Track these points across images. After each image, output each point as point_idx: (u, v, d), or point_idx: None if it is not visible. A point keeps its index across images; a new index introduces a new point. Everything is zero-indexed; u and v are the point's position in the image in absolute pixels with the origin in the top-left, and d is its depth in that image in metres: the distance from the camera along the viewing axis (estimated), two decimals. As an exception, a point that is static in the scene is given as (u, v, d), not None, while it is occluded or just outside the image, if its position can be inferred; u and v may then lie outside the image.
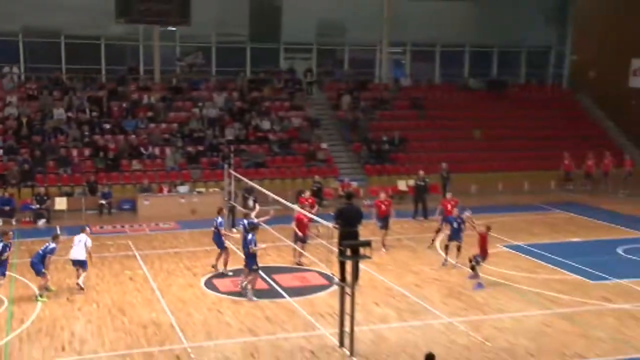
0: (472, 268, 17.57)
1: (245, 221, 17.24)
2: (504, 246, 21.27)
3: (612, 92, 36.24)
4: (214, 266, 18.60)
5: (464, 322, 14.96)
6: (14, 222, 24.67)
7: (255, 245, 16.07)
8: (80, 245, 17.07)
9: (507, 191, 30.75)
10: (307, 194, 22.06)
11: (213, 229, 18.36)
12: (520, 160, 32.94)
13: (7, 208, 24.92)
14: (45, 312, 15.41)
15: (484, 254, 17.41)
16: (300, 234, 18.86)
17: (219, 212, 18.76)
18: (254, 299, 16.20)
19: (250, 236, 16.06)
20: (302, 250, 18.89)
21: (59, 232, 19.14)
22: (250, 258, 16.14)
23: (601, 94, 37.21)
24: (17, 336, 14.00)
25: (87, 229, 17.94)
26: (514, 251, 20.71)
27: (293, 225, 19.01)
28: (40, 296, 16.22)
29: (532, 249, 21.00)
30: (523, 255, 20.37)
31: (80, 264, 17.09)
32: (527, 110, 35.67)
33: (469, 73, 38.51)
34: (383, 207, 20.72)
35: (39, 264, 16.31)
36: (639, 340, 14.02)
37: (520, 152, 33.39)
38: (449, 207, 20.40)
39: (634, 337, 14.22)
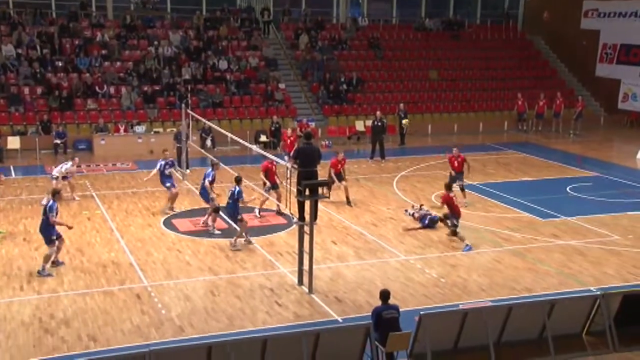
0: (454, 234, 16.30)
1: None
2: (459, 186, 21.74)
3: (564, 34, 36.75)
4: (205, 222, 17.28)
5: (419, 260, 15.43)
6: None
7: (242, 197, 15.87)
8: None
9: (462, 132, 31.23)
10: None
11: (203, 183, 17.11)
12: (475, 101, 33.42)
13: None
14: (2, 252, 15.33)
15: (457, 214, 16.34)
16: (269, 182, 18.22)
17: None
18: (252, 241, 16.10)
19: (237, 188, 15.79)
20: (276, 201, 18.09)
21: None
22: (237, 209, 15.88)
23: (554, 35, 37.69)
24: (-25, 276, 13.98)
25: (76, 159, 20.06)
26: (468, 190, 21.15)
27: (261, 175, 18.38)
28: None
29: (486, 188, 21.55)
30: (477, 194, 20.89)
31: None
32: (482, 51, 35.99)
33: (425, 13, 38.45)
34: (339, 166, 19.67)
35: None
36: (583, 274, 14.70)
37: (475, 93, 33.84)
38: (456, 163, 19.78)
39: (579, 271, 14.90)
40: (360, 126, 29.93)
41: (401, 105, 29.24)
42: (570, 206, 19.78)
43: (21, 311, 12.42)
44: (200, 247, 15.97)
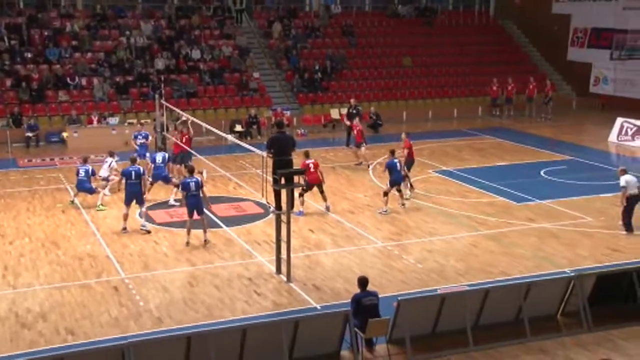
0: (300, 195, 17.33)
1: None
2: (434, 172, 21.91)
3: (536, 18, 37.00)
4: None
5: (396, 246, 15.53)
6: None
7: None
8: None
9: (437, 118, 31.40)
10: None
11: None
12: (449, 87, 33.57)
13: None
14: (-24, 248, 15.15)
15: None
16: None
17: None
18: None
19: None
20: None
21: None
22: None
23: (526, 20, 37.97)
24: (-52, 273, 13.77)
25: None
26: (444, 176, 21.36)
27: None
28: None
29: (461, 173, 21.70)
30: (453, 180, 21.04)
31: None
32: (455, 37, 36.09)
33: (398, 0, 38.44)
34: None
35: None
36: (557, 257, 14.91)
37: (449, 79, 33.98)
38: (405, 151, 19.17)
39: (553, 253, 15.10)
40: (335, 114, 29.93)
41: (352, 100, 27.03)
42: (544, 189, 20.01)
43: (-3, 306, 12.29)
44: (177, 238, 15.88)
